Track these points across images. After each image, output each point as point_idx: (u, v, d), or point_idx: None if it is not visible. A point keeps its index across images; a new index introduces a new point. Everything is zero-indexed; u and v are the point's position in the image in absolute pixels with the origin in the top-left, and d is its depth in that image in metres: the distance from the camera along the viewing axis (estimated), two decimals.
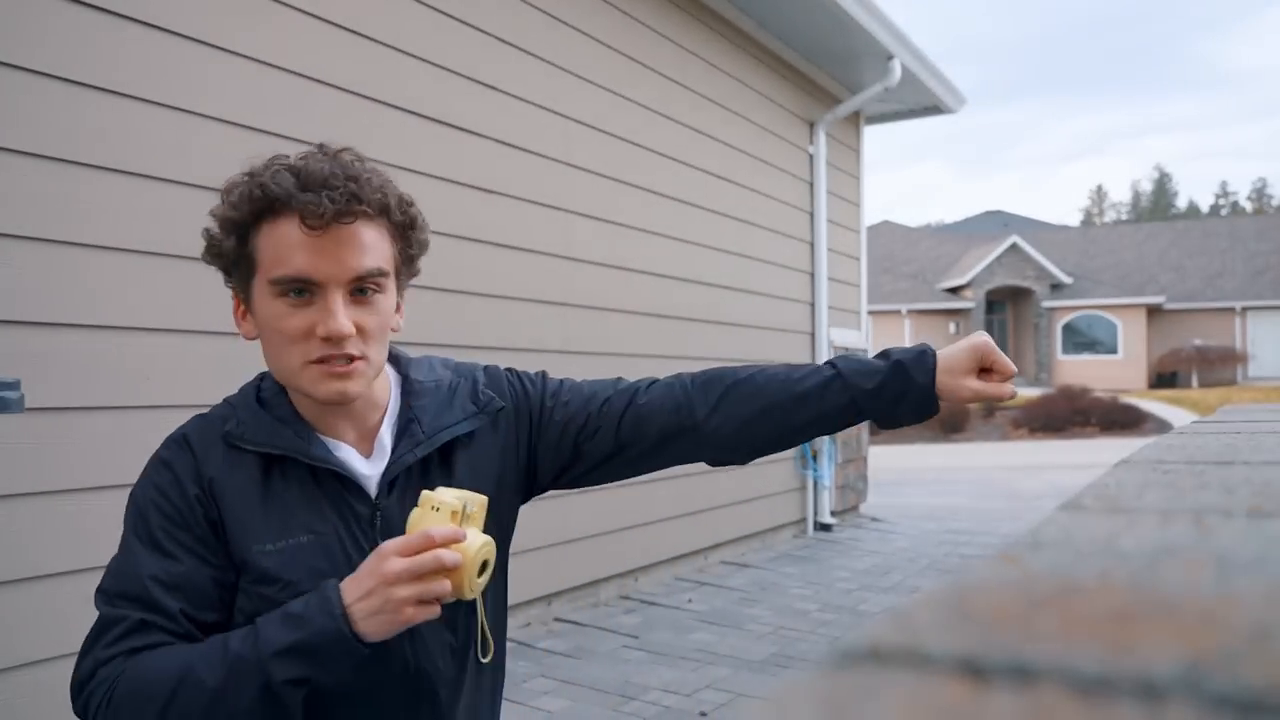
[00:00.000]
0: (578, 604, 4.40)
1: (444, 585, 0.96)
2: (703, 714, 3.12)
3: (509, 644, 3.81)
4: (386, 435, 1.12)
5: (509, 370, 1.24)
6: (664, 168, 4.99)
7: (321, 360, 1.01)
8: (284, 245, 1.00)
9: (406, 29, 3.49)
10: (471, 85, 3.78)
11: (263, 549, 1.03)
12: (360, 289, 1.02)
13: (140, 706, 0.95)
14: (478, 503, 1.03)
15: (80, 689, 1.01)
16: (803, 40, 6.11)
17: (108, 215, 2.50)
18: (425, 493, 1.02)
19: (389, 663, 1.07)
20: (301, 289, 1.00)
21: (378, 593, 0.94)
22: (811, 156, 6.60)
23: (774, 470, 6.10)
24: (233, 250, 1.03)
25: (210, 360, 2.66)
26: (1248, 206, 74.58)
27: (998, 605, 0.31)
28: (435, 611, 0.97)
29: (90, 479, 2.41)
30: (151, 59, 2.64)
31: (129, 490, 1.09)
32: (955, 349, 1.15)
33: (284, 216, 1.00)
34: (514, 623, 4.02)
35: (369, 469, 1.10)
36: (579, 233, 4.37)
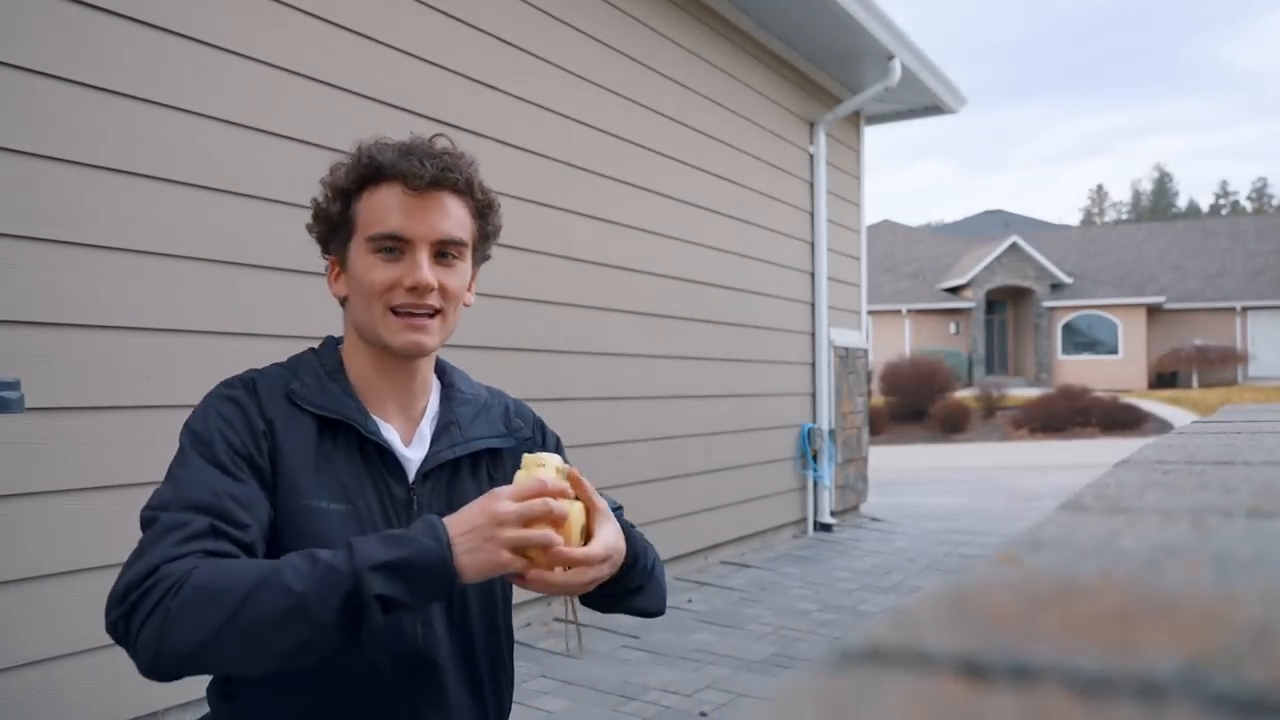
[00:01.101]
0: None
1: (548, 534, 0.99)
2: (703, 714, 3.12)
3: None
4: (426, 429, 1.20)
5: (535, 414, 1.35)
6: (664, 168, 4.99)
7: (402, 311, 1.13)
8: (383, 207, 1.13)
9: (407, 29, 3.49)
10: (471, 85, 3.78)
11: (309, 504, 1.07)
12: (443, 253, 1.15)
13: (213, 600, 0.92)
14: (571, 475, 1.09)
15: (126, 593, 0.96)
16: (803, 40, 6.11)
17: (108, 215, 2.50)
18: (528, 455, 1.10)
19: (398, 644, 1.09)
20: (393, 247, 1.12)
21: (483, 530, 0.97)
22: (811, 156, 6.60)
23: (774, 470, 6.10)
24: (337, 214, 1.15)
25: (210, 360, 2.65)
26: (1248, 206, 74.58)
27: (998, 605, 0.31)
28: (523, 565, 1.00)
29: (90, 479, 2.41)
30: (152, 59, 2.64)
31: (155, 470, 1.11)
32: None
33: (386, 183, 1.13)
34: (514, 622, 4.02)
35: (410, 454, 1.17)
36: (579, 233, 4.37)
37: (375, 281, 1.13)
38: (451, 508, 1.12)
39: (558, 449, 1.31)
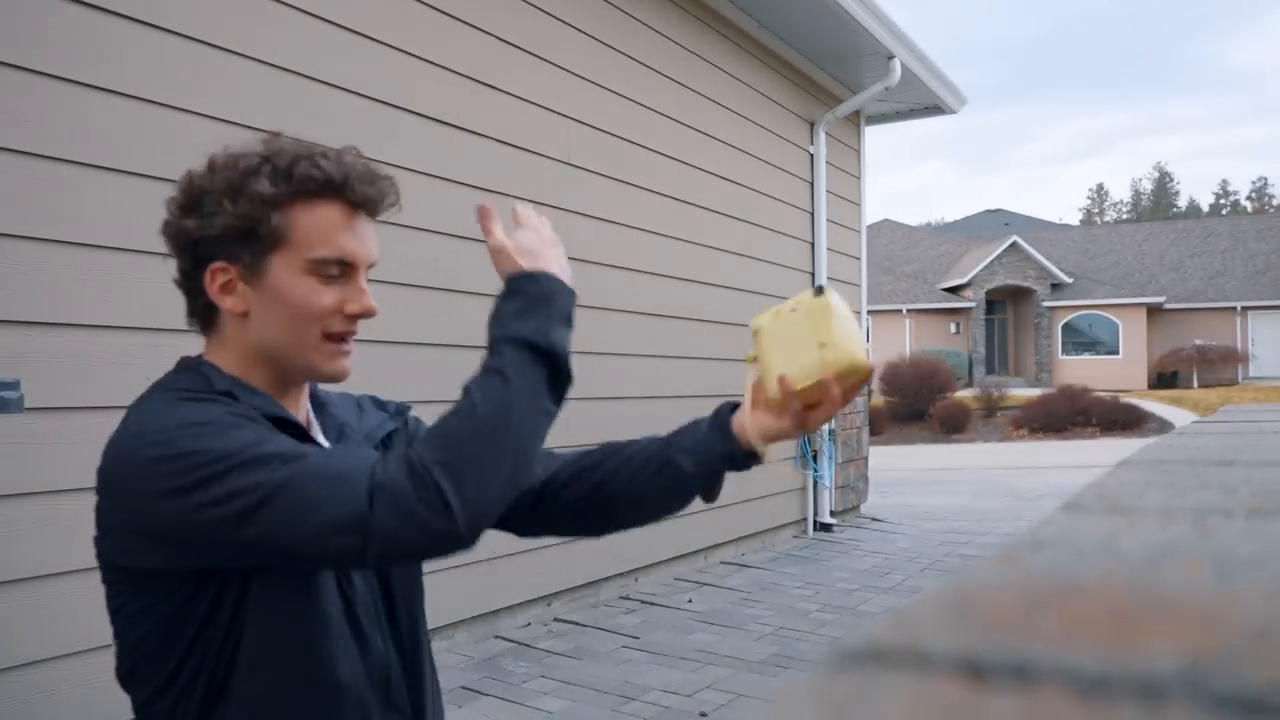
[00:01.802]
0: (578, 604, 4.39)
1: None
2: (703, 714, 3.12)
3: (508, 643, 3.81)
4: (318, 434, 1.15)
5: (386, 400, 1.30)
6: (664, 167, 4.99)
7: (336, 337, 1.07)
8: (329, 226, 1.05)
9: (407, 29, 3.49)
10: (472, 85, 3.78)
11: None
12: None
13: (472, 445, 0.95)
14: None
15: (366, 518, 0.89)
16: (803, 40, 6.11)
17: (108, 215, 2.50)
18: (773, 312, 1.13)
19: (369, 654, 1.07)
20: (335, 271, 1.06)
21: (556, 245, 1.21)
22: (812, 156, 6.60)
23: (774, 470, 6.10)
24: (260, 224, 1.03)
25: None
26: (1248, 206, 74.60)
27: (998, 605, 0.31)
28: None
29: (90, 479, 2.39)
30: (152, 59, 2.64)
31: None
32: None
33: (326, 199, 1.05)
34: (514, 622, 4.02)
35: None
36: (579, 233, 4.37)
37: (318, 306, 1.04)
38: None
39: (409, 419, 1.29)
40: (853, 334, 1.08)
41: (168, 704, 0.98)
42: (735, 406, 1.19)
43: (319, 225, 1.04)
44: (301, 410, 1.14)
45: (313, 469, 0.92)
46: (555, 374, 1.04)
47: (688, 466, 1.15)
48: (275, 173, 1.03)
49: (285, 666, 0.99)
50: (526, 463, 0.99)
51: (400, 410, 1.27)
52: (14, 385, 2.27)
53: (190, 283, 1.09)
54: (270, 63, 2.97)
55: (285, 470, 0.91)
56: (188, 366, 1.09)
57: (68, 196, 2.44)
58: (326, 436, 1.15)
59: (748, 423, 1.15)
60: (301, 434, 1.06)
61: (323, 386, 1.20)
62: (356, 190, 1.05)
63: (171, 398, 1.01)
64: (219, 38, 2.81)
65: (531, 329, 1.03)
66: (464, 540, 0.93)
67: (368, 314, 1.07)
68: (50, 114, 2.40)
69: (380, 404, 1.27)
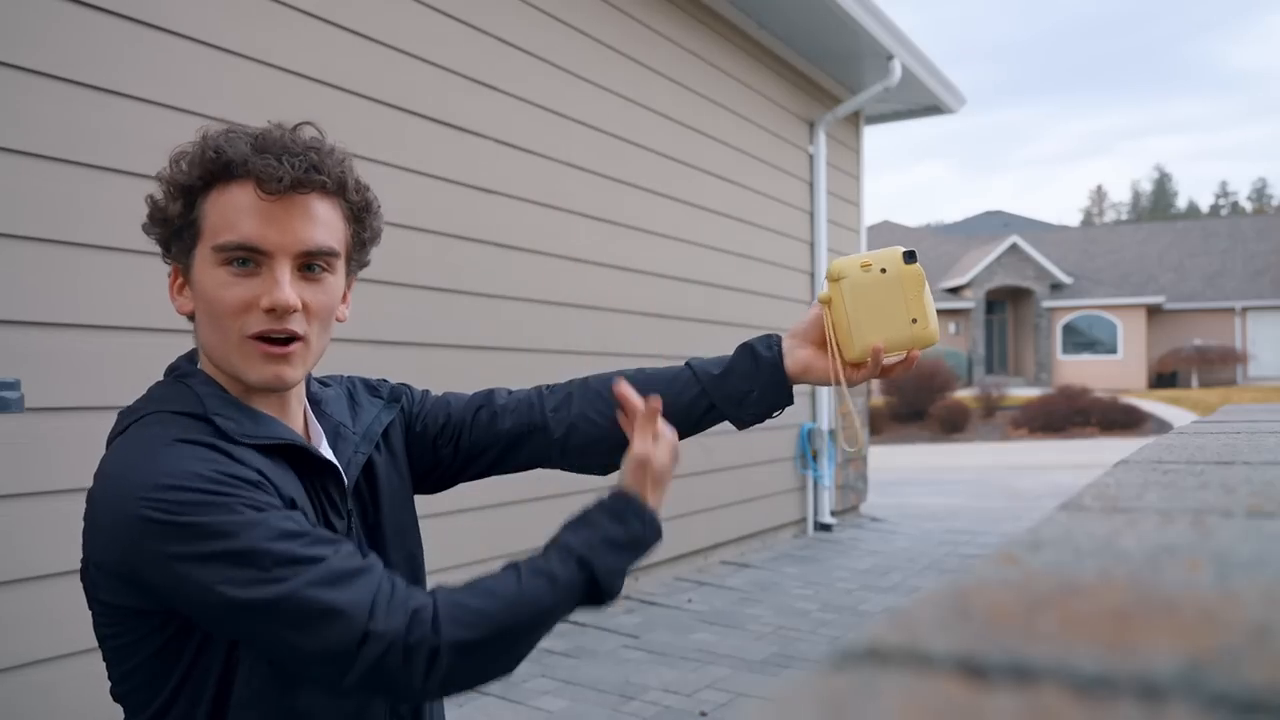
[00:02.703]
0: None
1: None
2: (703, 714, 3.12)
3: None
4: (320, 439, 1.08)
5: (380, 379, 1.24)
6: (664, 168, 4.99)
7: (261, 337, 0.95)
8: (233, 210, 0.95)
9: (407, 29, 3.49)
10: (471, 85, 3.78)
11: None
12: (309, 265, 0.98)
13: (491, 649, 0.91)
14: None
15: (414, 644, 0.86)
16: (803, 40, 6.11)
17: (108, 215, 2.50)
18: (820, 296, 1.10)
19: None
20: (247, 258, 0.95)
21: (662, 483, 1.08)
22: (811, 156, 6.60)
23: (774, 470, 6.10)
24: (178, 216, 0.97)
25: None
26: (1248, 206, 74.59)
27: (998, 605, 0.31)
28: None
29: (90, 479, 2.40)
30: (152, 59, 2.64)
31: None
32: (800, 320, 1.17)
33: (237, 182, 0.95)
34: None
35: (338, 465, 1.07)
36: (579, 233, 4.37)
37: (225, 301, 0.94)
38: (376, 498, 1.11)
39: (410, 392, 1.24)
40: (932, 304, 1.09)
41: None
42: (773, 343, 1.16)
43: (225, 210, 0.95)
44: (294, 413, 1.06)
45: (307, 592, 0.85)
46: (592, 601, 0.99)
47: (743, 418, 1.16)
48: (191, 161, 0.97)
49: (282, 692, 0.95)
50: (518, 659, 0.96)
51: (395, 395, 1.19)
52: (14, 385, 2.27)
53: (169, 288, 1.04)
54: (270, 63, 2.97)
55: (278, 589, 0.84)
56: (179, 377, 1.02)
57: (68, 196, 2.44)
58: (321, 434, 1.09)
59: (812, 365, 1.14)
60: (295, 456, 0.99)
61: (314, 380, 1.15)
62: (257, 167, 0.94)
63: (167, 436, 0.92)
64: (219, 38, 2.81)
65: (607, 566, 0.98)
66: (430, 697, 0.94)
67: (280, 308, 0.94)
68: (50, 114, 2.40)
69: (372, 388, 1.18)
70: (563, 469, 1.22)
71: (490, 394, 1.23)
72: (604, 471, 1.20)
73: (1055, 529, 0.44)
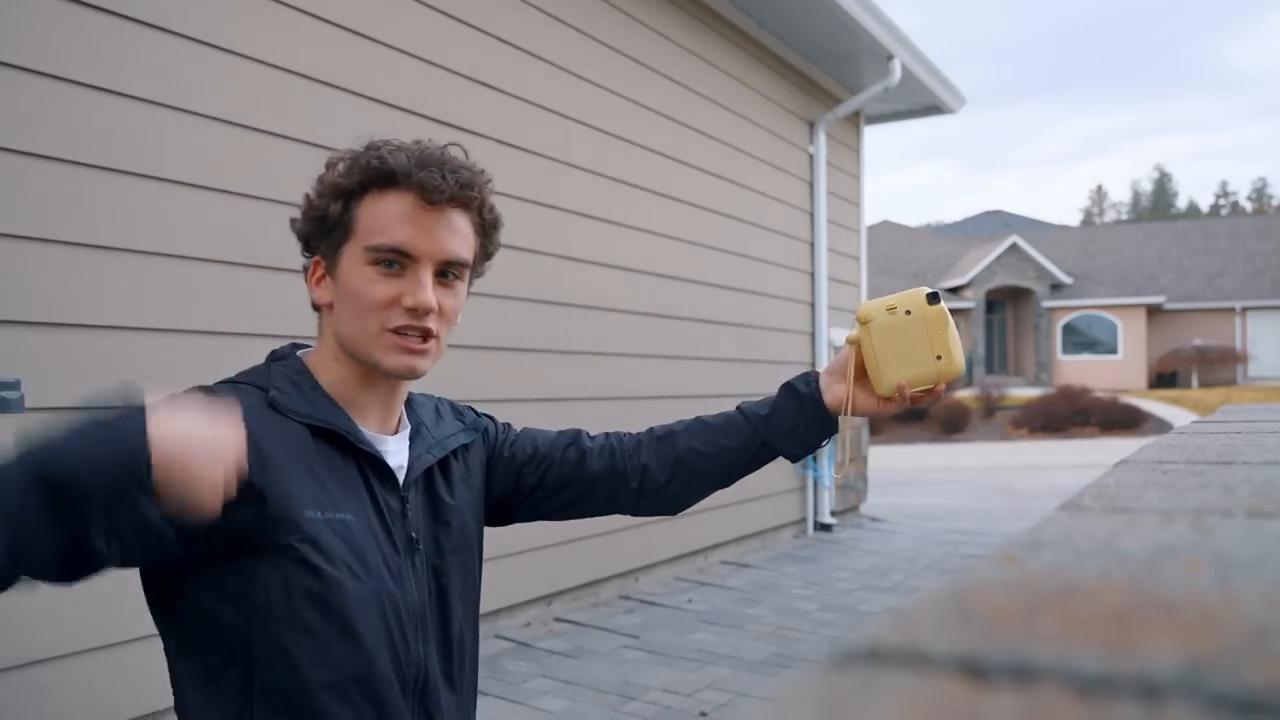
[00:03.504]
0: (578, 604, 4.40)
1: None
2: (703, 714, 3.12)
3: (509, 643, 3.81)
4: (403, 435, 1.16)
5: (466, 405, 1.31)
6: (664, 168, 4.99)
7: (399, 331, 1.05)
8: (390, 216, 1.05)
9: (406, 29, 3.49)
10: (471, 85, 3.78)
11: (314, 515, 1.00)
12: (444, 272, 1.08)
13: None
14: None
15: None
16: (803, 40, 6.11)
17: (108, 215, 2.50)
18: (849, 336, 1.16)
19: (377, 655, 1.04)
20: (395, 260, 1.05)
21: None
22: (811, 156, 6.61)
23: (774, 470, 6.09)
24: (336, 215, 1.07)
25: (210, 360, 2.65)
26: (1248, 206, 74.61)
27: (998, 605, 0.31)
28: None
29: None
30: (152, 59, 2.64)
31: None
32: (835, 359, 1.25)
33: (395, 190, 1.05)
34: (514, 622, 4.02)
35: (397, 463, 1.12)
36: (578, 232, 4.37)
37: (373, 296, 1.05)
38: (434, 510, 1.15)
39: (496, 423, 1.30)
40: (957, 339, 1.17)
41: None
42: (810, 380, 1.24)
43: (381, 215, 1.05)
44: (389, 409, 1.14)
45: None
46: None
47: (794, 451, 1.24)
48: (350, 166, 1.07)
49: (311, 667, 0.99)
50: None
51: (476, 423, 1.26)
52: (14, 385, 2.27)
53: (306, 277, 1.13)
54: (270, 63, 2.97)
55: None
56: (272, 359, 1.13)
57: (68, 196, 2.44)
58: (407, 426, 1.16)
59: (846, 397, 1.21)
60: (341, 442, 1.06)
61: (412, 387, 1.21)
62: (416, 179, 1.04)
63: (205, 389, 1.03)
64: (219, 38, 2.81)
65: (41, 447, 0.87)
66: None
67: (422, 308, 1.05)
68: (51, 114, 2.40)
69: (458, 412, 1.27)
70: (632, 514, 1.30)
71: (578, 434, 1.30)
72: (673, 512, 1.31)
73: (1055, 529, 0.44)
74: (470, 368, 3.67)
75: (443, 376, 3.89)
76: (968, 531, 6.79)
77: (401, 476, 1.11)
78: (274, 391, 1.05)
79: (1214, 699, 0.22)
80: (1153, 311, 27.67)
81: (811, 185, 6.60)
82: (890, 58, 6.28)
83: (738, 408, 1.27)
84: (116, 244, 2.51)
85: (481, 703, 3.19)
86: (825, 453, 6.52)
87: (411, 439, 1.15)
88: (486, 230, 1.14)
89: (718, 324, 5.42)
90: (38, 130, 2.38)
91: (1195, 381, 26.01)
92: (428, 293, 1.05)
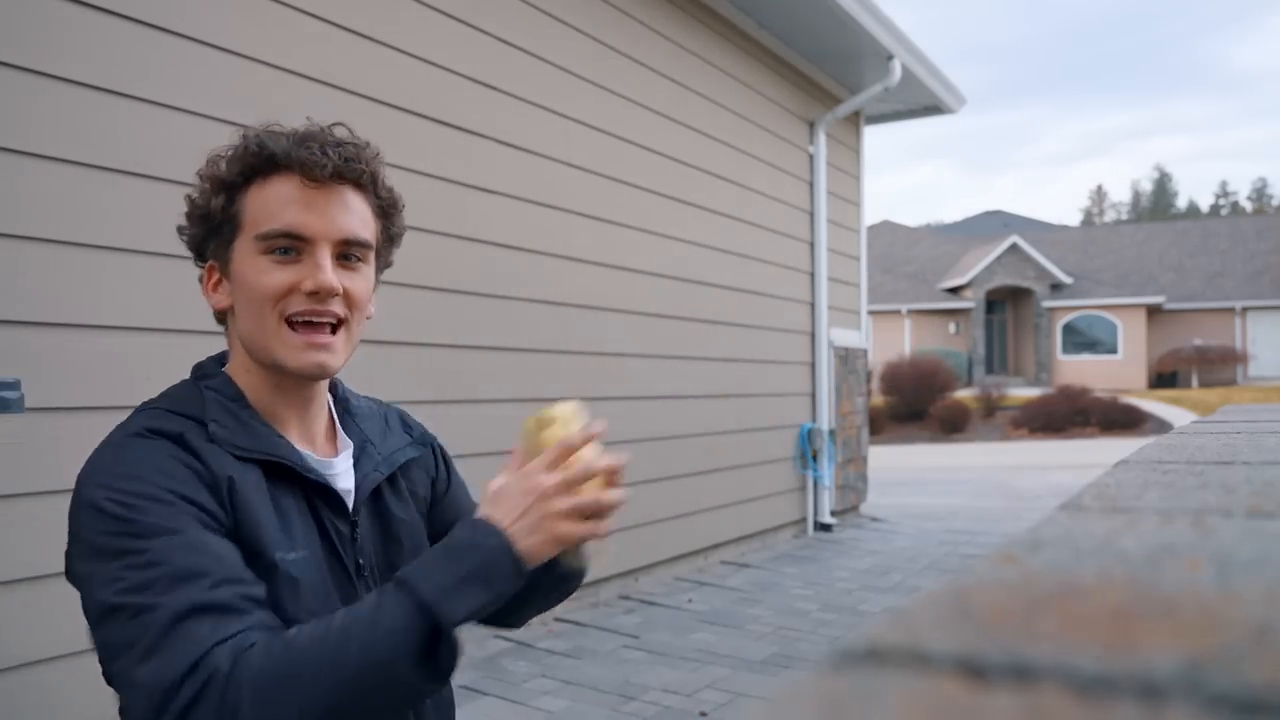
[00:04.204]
0: (578, 604, 4.39)
1: (604, 494, 0.95)
2: (703, 714, 3.12)
3: (508, 643, 3.81)
4: (345, 453, 1.09)
5: (414, 420, 1.25)
6: (664, 167, 4.99)
7: (303, 325, 0.99)
8: (276, 201, 0.99)
9: (408, 29, 3.49)
10: (472, 85, 3.78)
11: (285, 557, 0.96)
12: (346, 254, 1.01)
13: (286, 691, 0.81)
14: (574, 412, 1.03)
15: (167, 701, 0.80)
16: (803, 40, 6.11)
17: (108, 215, 2.50)
18: (530, 419, 1.01)
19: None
20: (289, 246, 0.98)
21: (535, 509, 0.92)
22: (811, 156, 6.60)
23: (774, 470, 6.10)
24: (220, 211, 1.00)
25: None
26: (1248, 206, 74.60)
27: (998, 605, 0.31)
28: (600, 528, 0.95)
29: None
30: (152, 59, 2.64)
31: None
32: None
33: (278, 174, 0.99)
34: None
35: (343, 485, 1.06)
36: (578, 232, 4.37)
37: (268, 286, 0.98)
38: (386, 530, 1.09)
39: (445, 455, 1.24)
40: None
41: None
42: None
43: (267, 201, 0.99)
44: (307, 418, 1.06)
45: (174, 614, 0.82)
46: (434, 644, 0.86)
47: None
48: (231, 158, 1.01)
49: None
50: (346, 705, 0.84)
51: (424, 438, 1.20)
52: (14, 385, 2.27)
53: (203, 287, 1.07)
54: (270, 63, 2.97)
55: (153, 599, 0.83)
56: (198, 378, 1.05)
57: (68, 196, 2.44)
58: (348, 444, 1.10)
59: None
60: (288, 473, 0.99)
61: (355, 393, 1.16)
62: (297, 159, 0.98)
63: (143, 427, 0.95)
64: (219, 38, 2.81)
65: (433, 581, 0.87)
66: None
67: (324, 290, 0.98)
68: (51, 114, 2.40)
69: (406, 425, 1.21)
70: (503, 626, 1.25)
71: None
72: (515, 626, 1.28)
73: (1055, 529, 0.44)
74: (470, 368, 3.67)
75: (442, 376, 3.88)
76: (968, 531, 6.79)
77: (350, 500, 1.06)
78: (212, 425, 0.97)
79: (1214, 698, 0.22)
80: (1153, 311, 27.67)
81: (811, 185, 6.60)
82: (890, 58, 6.28)
83: None
84: (117, 244, 2.51)
85: (481, 702, 3.19)
86: (825, 452, 6.52)
87: (357, 457, 1.09)
88: (386, 212, 1.07)
89: (718, 324, 5.42)
90: (38, 130, 2.38)
91: (1195, 381, 26.01)
92: (328, 273, 0.98)
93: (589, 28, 4.44)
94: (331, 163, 0.99)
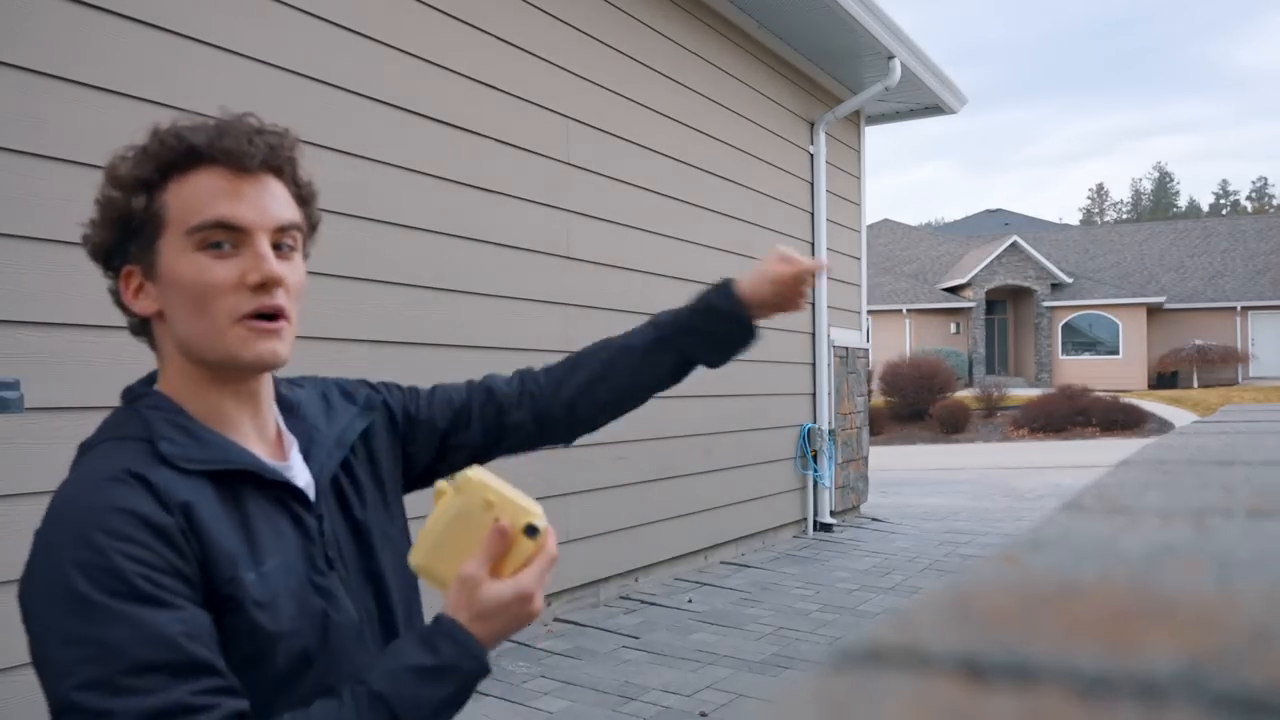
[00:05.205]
0: (578, 604, 4.39)
1: (544, 568, 0.97)
2: (703, 714, 3.12)
3: (508, 643, 3.81)
4: (291, 445, 1.06)
5: (359, 380, 1.22)
6: (664, 167, 4.99)
7: (251, 316, 0.95)
8: (204, 193, 0.94)
9: (406, 28, 3.49)
10: (471, 85, 3.78)
11: (249, 576, 0.92)
12: (279, 244, 0.98)
13: None
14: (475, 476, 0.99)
15: None
16: (803, 40, 6.11)
17: None
18: (442, 484, 0.98)
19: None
20: (223, 240, 0.94)
21: (523, 618, 0.95)
22: (811, 156, 6.60)
23: (774, 470, 6.10)
24: (140, 211, 0.95)
25: None
26: (1248, 206, 74.60)
27: (998, 605, 0.31)
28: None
29: None
30: (153, 59, 2.64)
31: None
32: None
33: (200, 168, 0.95)
34: None
35: (301, 480, 1.04)
36: (578, 232, 4.37)
37: (212, 282, 0.93)
38: (350, 519, 1.07)
39: (400, 389, 1.23)
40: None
41: None
42: (723, 288, 1.32)
43: (193, 195, 0.94)
44: (259, 415, 1.03)
45: (133, 716, 0.80)
46: None
47: (711, 358, 1.36)
48: (142, 154, 0.96)
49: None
50: None
51: (370, 401, 1.16)
52: (14, 385, 2.27)
53: (117, 298, 1.01)
54: (270, 63, 2.97)
55: (110, 702, 0.81)
56: (130, 401, 1.00)
57: (68, 196, 2.44)
58: (293, 441, 1.07)
59: (766, 301, 1.35)
60: (248, 478, 0.97)
61: (285, 382, 1.12)
62: (220, 148, 0.94)
63: (100, 476, 0.90)
64: (219, 37, 2.81)
65: (410, 697, 0.87)
66: None
67: (270, 280, 0.94)
68: (52, 114, 2.40)
69: (348, 394, 1.16)
70: (564, 445, 1.33)
71: (489, 386, 1.27)
72: (589, 428, 1.35)
73: (1056, 529, 0.44)
74: (470, 367, 3.66)
75: (441, 376, 3.88)
76: (968, 531, 6.79)
77: (311, 493, 1.03)
78: (163, 443, 0.93)
79: (1214, 699, 0.22)
80: (1153, 311, 27.68)
81: (812, 185, 6.60)
82: (890, 57, 6.28)
83: (651, 320, 1.34)
84: None
85: (481, 703, 3.19)
86: (825, 452, 6.52)
87: (306, 450, 1.06)
88: (305, 200, 1.04)
89: None
90: (39, 130, 2.38)
91: (1196, 381, 26.02)
92: (272, 263, 0.94)
93: (590, 27, 4.44)
94: (260, 152, 0.96)
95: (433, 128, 3.60)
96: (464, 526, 0.95)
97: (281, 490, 0.99)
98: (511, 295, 3.95)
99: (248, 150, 0.95)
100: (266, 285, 0.94)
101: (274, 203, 0.97)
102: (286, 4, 3.03)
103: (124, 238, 0.98)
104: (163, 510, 0.88)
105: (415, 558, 0.98)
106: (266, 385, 1.04)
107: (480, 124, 3.81)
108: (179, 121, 0.97)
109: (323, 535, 1.02)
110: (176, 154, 0.95)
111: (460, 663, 0.90)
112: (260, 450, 1.02)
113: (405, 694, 0.87)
